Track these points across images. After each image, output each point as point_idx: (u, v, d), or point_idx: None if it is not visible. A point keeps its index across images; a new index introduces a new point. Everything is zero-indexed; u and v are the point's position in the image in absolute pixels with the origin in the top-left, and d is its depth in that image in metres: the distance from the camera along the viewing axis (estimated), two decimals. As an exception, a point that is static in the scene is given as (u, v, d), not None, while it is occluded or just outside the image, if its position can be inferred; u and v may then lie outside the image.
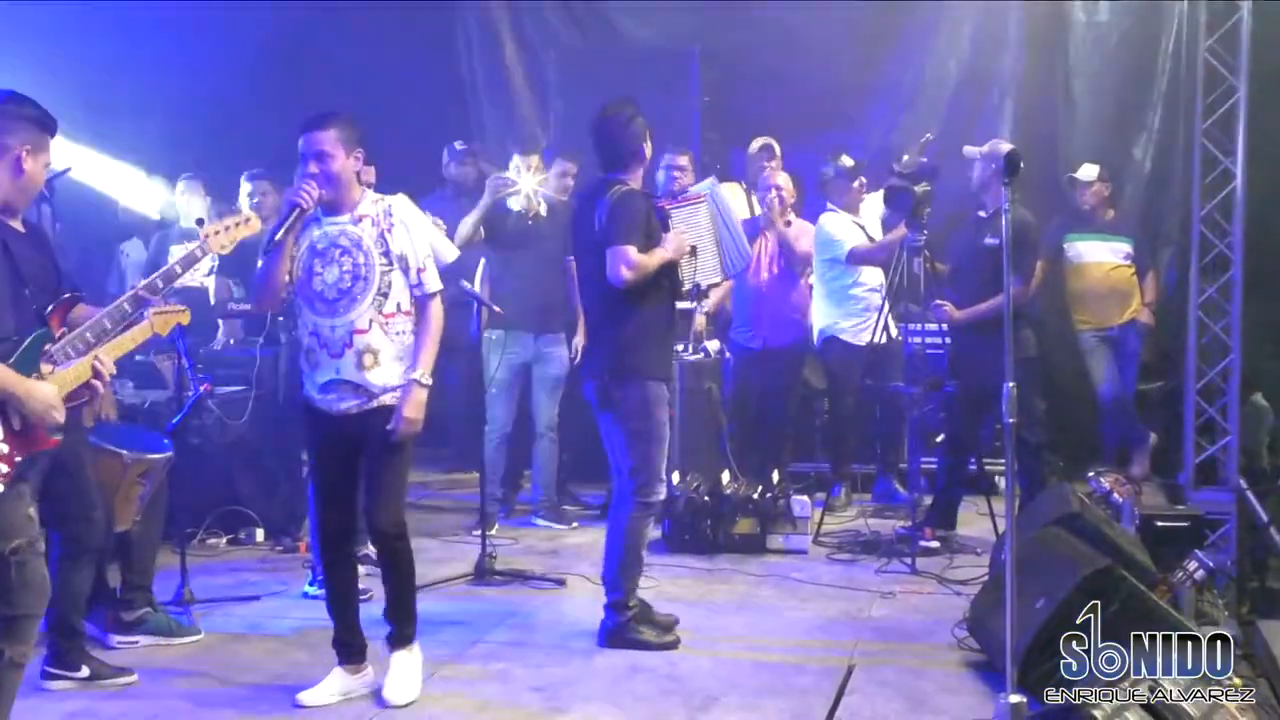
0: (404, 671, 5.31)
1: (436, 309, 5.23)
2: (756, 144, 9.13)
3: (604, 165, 6.04)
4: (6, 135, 4.69)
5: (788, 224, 8.62)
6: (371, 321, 5.12)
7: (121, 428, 6.34)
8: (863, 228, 8.66)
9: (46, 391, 4.41)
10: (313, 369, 5.20)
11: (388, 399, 5.15)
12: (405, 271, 5.17)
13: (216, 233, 5.07)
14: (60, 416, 4.44)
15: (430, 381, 5.17)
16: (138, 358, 8.00)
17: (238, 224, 5.09)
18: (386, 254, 5.14)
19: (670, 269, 6.02)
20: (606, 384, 5.97)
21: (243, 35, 9.81)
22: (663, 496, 6.14)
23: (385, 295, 5.14)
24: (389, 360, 5.15)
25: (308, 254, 5.16)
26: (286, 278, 5.17)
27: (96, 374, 4.68)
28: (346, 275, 5.11)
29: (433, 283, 5.24)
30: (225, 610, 6.53)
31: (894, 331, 8.42)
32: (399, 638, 5.36)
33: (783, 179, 8.66)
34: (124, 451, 5.96)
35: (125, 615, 5.96)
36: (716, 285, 6.71)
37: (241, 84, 9.72)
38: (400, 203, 5.28)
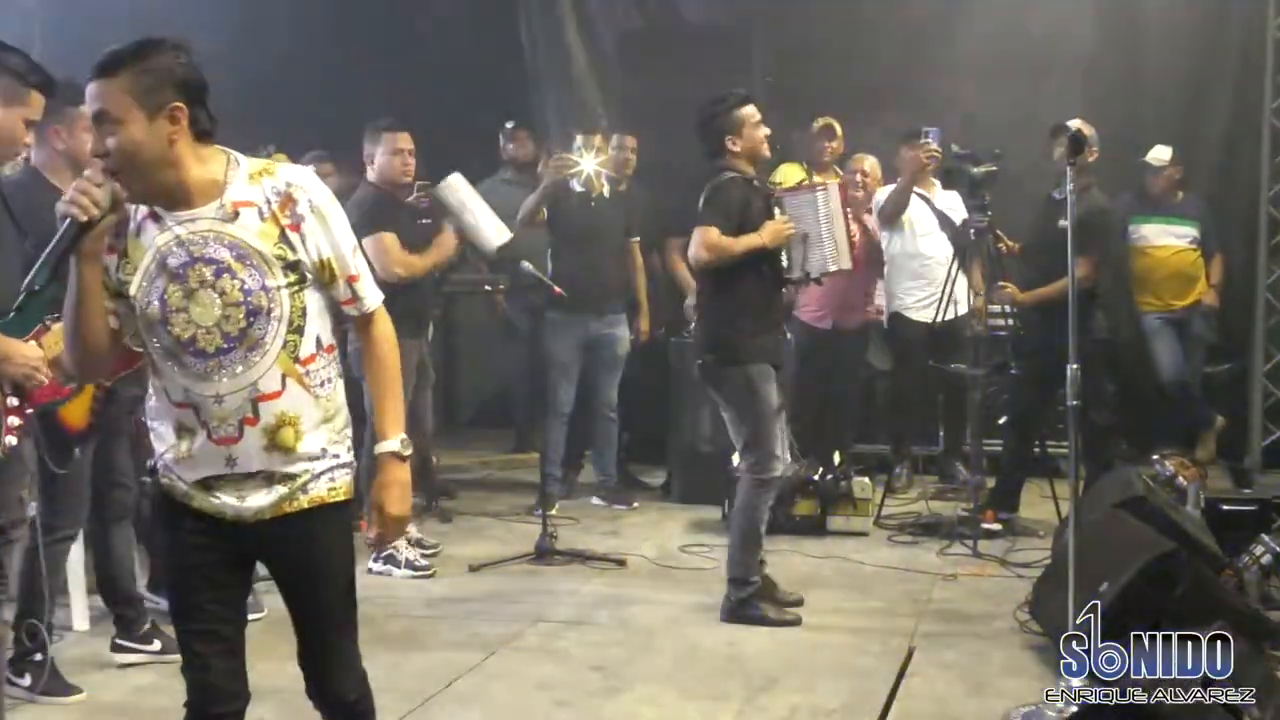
0: None
1: (384, 329, 3.40)
2: (818, 124, 9.07)
3: (705, 153, 6.23)
4: (41, 125, 4.58)
5: (869, 211, 8.58)
6: (285, 377, 3.17)
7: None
8: (928, 200, 8.57)
9: (27, 353, 4.13)
10: (182, 460, 3.22)
11: (323, 491, 3.25)
12: (323, 286, 3.24)
13: None
14: (42, 378, 4.19)
15: (410, 451, 3.36)
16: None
17: None
18: (295, 265, 3.15)
19: (772, 255, 6.10)
20: (707, 365, 6.14)
21: (295, 14, 9.84)
22: (779, 473, 6.12)
23: (300, 331, 3.18)
24: (314, 426, 3.24)
25: (155, 276, 3.13)
26: (111, 324, 3.20)
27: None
28: (235, 310, 3.10)
29: (372, 294, 3.35)
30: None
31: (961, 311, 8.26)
32: None
33: (869, 163, 8.60)
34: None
35: (191, 593, 6.01)
36: (830, 275, 6.52)
37: (295, 65, 9.74)
38: (303, 178, 3.23)
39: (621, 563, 7.02)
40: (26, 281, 3.07)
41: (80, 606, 5.91)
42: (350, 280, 3.27)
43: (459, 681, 5.25)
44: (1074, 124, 6.95)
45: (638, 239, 8.46)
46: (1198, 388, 9.10)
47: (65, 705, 5.03)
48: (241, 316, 3.11)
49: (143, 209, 3.14)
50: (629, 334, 8.36)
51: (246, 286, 3.11)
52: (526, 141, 9.30)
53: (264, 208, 3.15)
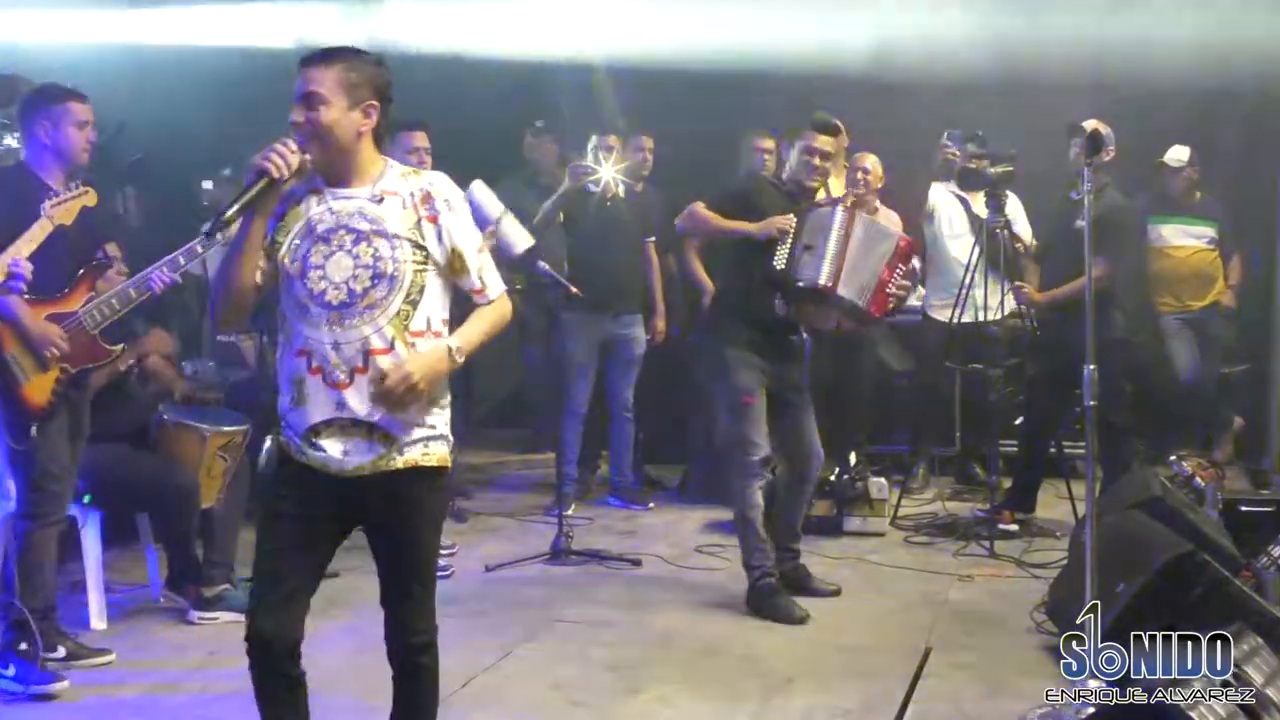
0: None
1: (505, 306, 3.90)
2: (814, 119, 9.07)
3: None
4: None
5: (874, 210, 8.56)
6: (394, 339, 3.64)
7: (198, 407, 6.47)
8: (966, 203, 8.56)
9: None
10: (298, 407, 3.68)
11: (416, 455, 3.69)
12: (453, 274, 3.78)
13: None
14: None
15: (462, 360, 3.73)
16: (219, 338, 8.08)
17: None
18: (423, 247, 3.69)
19: (763, 254, 6.16)
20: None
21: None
22: (756, 458, 6.17)
23: (415, 305, 3.68)
24: None
25: (302, 239, 3.69)
26: (257, 277, 3.71)
27: (12, 274, 4.81)
28: (363, 271, 3.63)
29: (496, 284, 3.87)
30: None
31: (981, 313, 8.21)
32: None
33: (870, 161, 8.59)
34: (202, 426, 6.08)
35: (206, 592, 6.03)
36: (816, 290, 6.41)
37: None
38: (442, 181, 3.84)
39: (637, 563, 7.02)
40: (221, 211, 3.61)
41: (97, 604, 5.94)
42: (479, 272, 3.81)
43: (475, 681, 5.25)
44: (1089, 124, 6.93)
45: (654, 239, 8.47)
46: (1215, 388, 9.07)
47: (80, 702, 5.06)
48: (368, 278, 3.64)
49: (300, 188, 3.72)
50: (645, 334, 8.36)
51: (378, 254, 3.65)
52: (550, 144, 9.29)
53: (407, 199, 3.73)
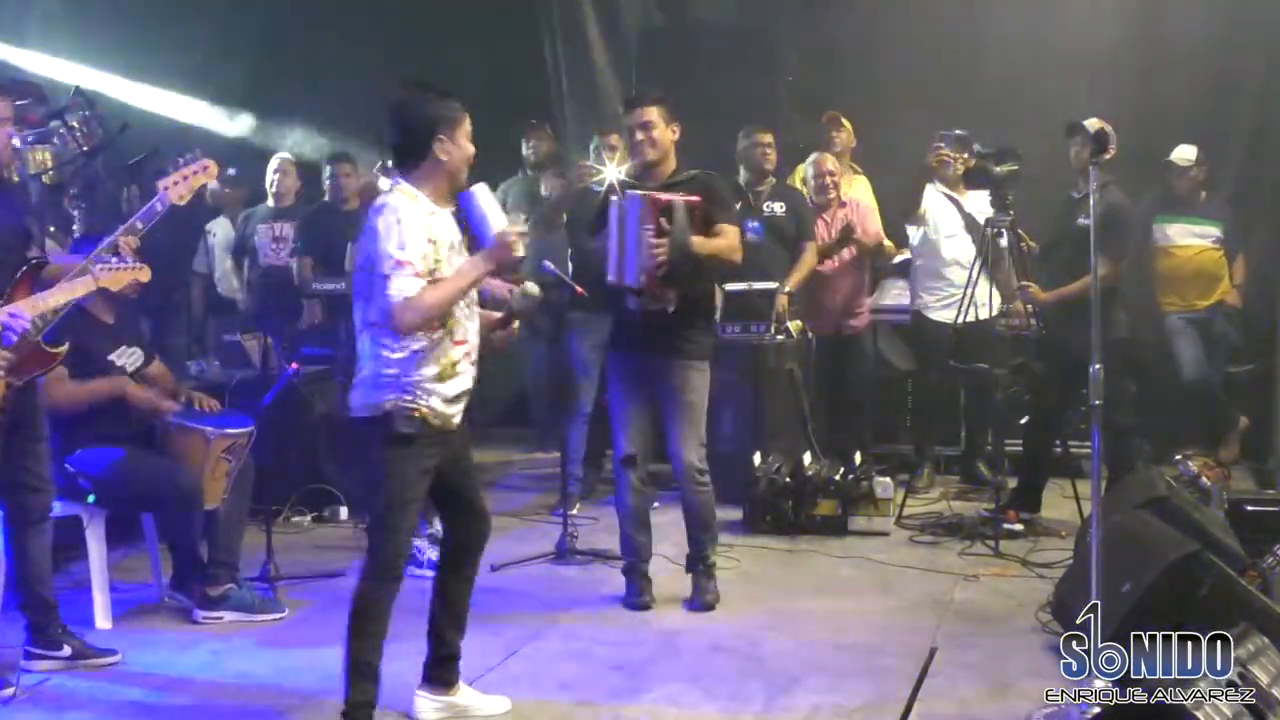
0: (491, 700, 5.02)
1: None
2: (825, 117, 9.10)
3: None
4: None
5: (842, 204, 8.61)
6: None
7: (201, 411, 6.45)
8: (957, 202, 8.56)
9: None
10: (447, 380, 4.60)
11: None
12: None
13: (175, 183, 5.09)
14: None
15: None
16: (225, 337, 8.10)
17: (194, 173, 5.10)
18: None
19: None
20: None
21: (309, 17, 9.86)
22: (618, 457, 6.43)
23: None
24: None
25: (451, 251, 4.61)
26: None
27: (8, 327, 4.79)
28: None
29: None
30: (309, 587, 6.58)
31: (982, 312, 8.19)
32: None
33: (831, 163, 8.64)
34: (207, 428, 6.07)
35: (210, 591, 6.03)
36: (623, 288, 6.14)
37: (310, 67, 9.76)
38: None
39: (642, 562, 7.02)
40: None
41: (102, 604, 5.94)
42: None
43: (481, 681, 5.23)
44: (1090, 123, 6.92)
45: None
46: (1221, 388, 9.06)
47: (85, 702, 5.06)
48: None
49: (427, 208, 4.53)
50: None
51: None
52: (546, 140, 9.29)
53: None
